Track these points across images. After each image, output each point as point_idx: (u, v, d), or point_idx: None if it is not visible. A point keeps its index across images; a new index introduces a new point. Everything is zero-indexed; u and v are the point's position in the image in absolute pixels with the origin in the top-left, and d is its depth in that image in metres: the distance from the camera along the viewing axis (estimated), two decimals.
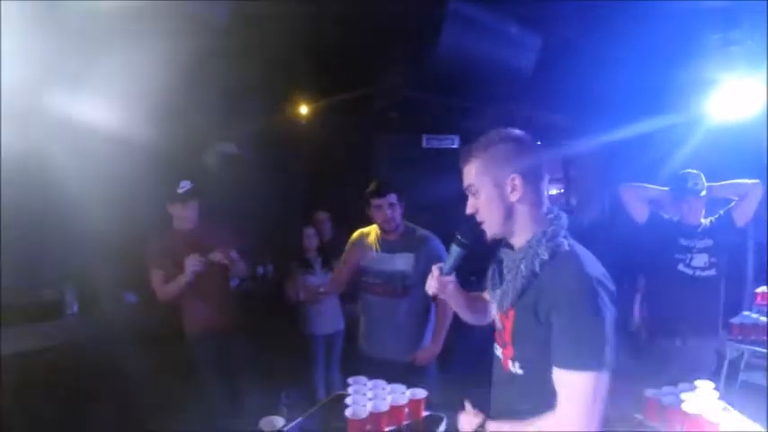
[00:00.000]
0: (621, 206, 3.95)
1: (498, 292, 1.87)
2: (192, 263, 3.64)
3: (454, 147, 6.26)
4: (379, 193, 3.39)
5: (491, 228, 1.83)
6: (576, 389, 1.62)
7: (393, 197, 3.39)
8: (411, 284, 3.17)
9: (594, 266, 1.71)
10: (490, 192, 1.79)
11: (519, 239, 1.84)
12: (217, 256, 3.72)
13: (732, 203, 3.64)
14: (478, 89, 5.40)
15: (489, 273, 2.00)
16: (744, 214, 3.61)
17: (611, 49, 4.72)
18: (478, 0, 4.50)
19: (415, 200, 3.62)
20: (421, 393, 2.71)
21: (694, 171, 3.71)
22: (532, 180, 1.79)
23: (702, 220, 3.74)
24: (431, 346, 3.45)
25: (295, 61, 5.04)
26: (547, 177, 1.85)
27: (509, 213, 1.80)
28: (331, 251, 4.99)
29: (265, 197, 5.52)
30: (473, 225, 1.89)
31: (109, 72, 3.91)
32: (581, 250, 1.77)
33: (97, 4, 3.62)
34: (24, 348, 3.82)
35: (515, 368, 1.82)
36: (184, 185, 3.79)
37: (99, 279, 4.33)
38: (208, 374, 3.83)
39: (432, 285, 2.10)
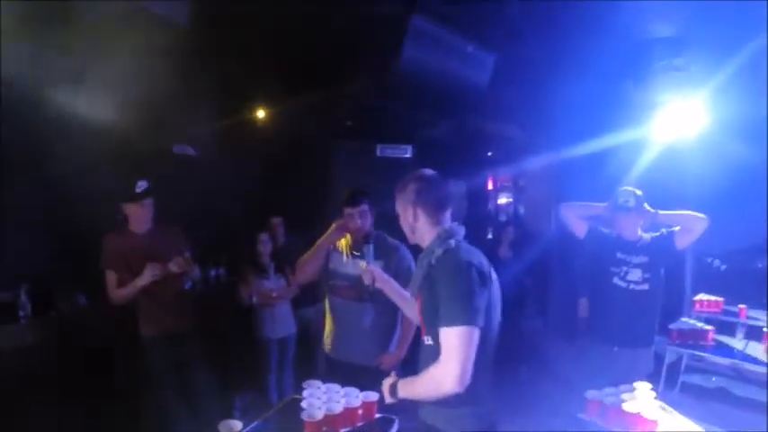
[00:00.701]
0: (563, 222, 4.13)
1: (411, 282, 2.47)
2: (152, 272, 3.65)
3: (407, 156, 6.35)
4: (353, 202, 3.43)
5: (409, 237, 2.53)
6: (451, 341, 2.09)
7: (365, 206, 3.45)
8: (378, 290, 3.24)
9: (471, 255, 2.27)
10: (402, 215, 2.48)
11: (424, 244, 2.44)
12: (174, 266, 3.72)
13: (676, 227, 3.79)
14: (434, 101, 5.52)
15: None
16: (685, 242, 3.76)
17: (563, 69, 4.91)
18: (438, 17, 4.61)
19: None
20: (373, 396, 2.78)
21: (629, 188, 3.85)
22: (430, 209, 2.41)
23: (643, 235, 3.90)
24: (396, 351, 3.49)
25: (255, 64, 5.05)
26: (448, 205, 2.45)
27: (413, 229, 2.47)
28: (284, 256, 5.03)
29: (220, 199, 5.51)
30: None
31: (66, 67, 3.86)
32: (465, 246, 2.34)
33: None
34: None
35: (428, 341, 2.33)
36: (141, 185, 3.75)
37: (53, 280, 4.23)
38: (162, 377, 3.80)
39: (366, 276, 2.93)
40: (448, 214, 2.47)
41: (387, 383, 2.42)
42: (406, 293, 2.76)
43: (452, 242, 2.33)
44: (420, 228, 2.45)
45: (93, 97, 3.99)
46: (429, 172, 2.50)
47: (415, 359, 2.47)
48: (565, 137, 5.86)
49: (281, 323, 4.94)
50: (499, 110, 6.19)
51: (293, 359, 5.07)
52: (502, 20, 4.60)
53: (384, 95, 5.69)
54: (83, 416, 3.63)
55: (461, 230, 2.42)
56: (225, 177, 5.61)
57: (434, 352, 2.20)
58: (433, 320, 2.23)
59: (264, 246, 4.96)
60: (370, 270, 2.90)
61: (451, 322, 2.11)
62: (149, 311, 3.84)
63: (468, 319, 2.10)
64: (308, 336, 5.30)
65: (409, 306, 2.81)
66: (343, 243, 3.56)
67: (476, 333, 2.10)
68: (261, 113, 6.33)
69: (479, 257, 2.31)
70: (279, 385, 4.95)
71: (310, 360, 5.17)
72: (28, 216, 4.09)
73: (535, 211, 8.35)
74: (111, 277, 3.74)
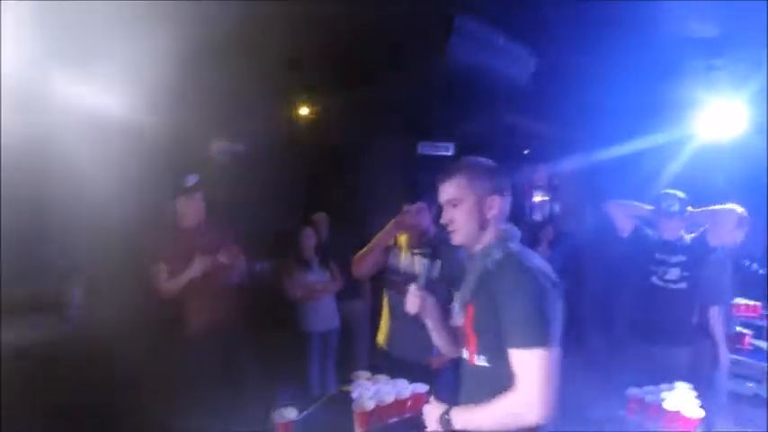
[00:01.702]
0: (606, 219, 4.20)
1: (457, 292, 2.16)
2: (202, 264, 3.78)
3: (448, 154, 6.45)
4: (410, 199, 3.48)
5: (463, 236, 2.12)
6: (530, 366, 1.86)
7: (422, 203, 3.48)
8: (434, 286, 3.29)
9: (535, 261, 2.01)
10: (471, 206, 2.08)
11: (478, 245, 2.12)
12: (224, 258, 3.84)
13: (707, 225, 3.87)
14: (477, 100, 5.60)
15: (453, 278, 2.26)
16: (716, 236, 3.83)
17: (602, 68, 4.95)
18: (480, 16, 4.70)
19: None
20: (422, 388, 2.89)
21: (673, 192, 3.94)
22: (506, 202, 2.12)
23: (684, 235, 3.97)
24: None
25: (299, 62, 5.17)
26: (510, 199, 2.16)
27: (481, 226, 2.10)
28: (328, 251, 5.18)
29: (265, 195, 5.67)
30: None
31: (112, 64, 4.00)
32: (525, 250, 2.07)
33: None
34: (25, 343, 3.89)
35: (481, 361, 2.06)
36: (191, 180, 3.91)
37: (103, 274, 4.40)
38: (209, 371, 3.90)
39: (411, 302, 2.27)
40: None
41: (434, 412, 2.10)
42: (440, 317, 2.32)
43: (514, 245, 2.07)
44: (487, 223, 2.09)
45: (140, 95, 4.11)
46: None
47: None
48: (602, 136, 5.88)
49: (323, 317, 5.08)
50: (538, 108, 6.24)
51: (336, 353, 5.20)
52: (542, 19, 4.67)
53: (426, 94, 5.79)
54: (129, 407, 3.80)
55: (518, 233, 2.14)
56: (269, 174, 5.77)
57: (489, 375, 2.02)
58: (490, 338, 2.00)
59: (308, 240, 5.09)
60: (417, 296, 2.27)
61: (530, 343, 1.87)
62: (197, 305, 3.92)
63: (548, 339, 1.87)
64: (350, 330, 5.42)
65: (444, 334, 2.35)
66: (403, 239, 3.63)
67: (556, 354, 1.89)
68: (304, 110, 6.49)
69: (541, 262, 2.05)
70: (321, 379, 5.07)
71: (353, 354, 5.32)
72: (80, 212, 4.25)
73: (570, 210, 8.36)
74: (160, 270, 3.86)
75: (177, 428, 3.59)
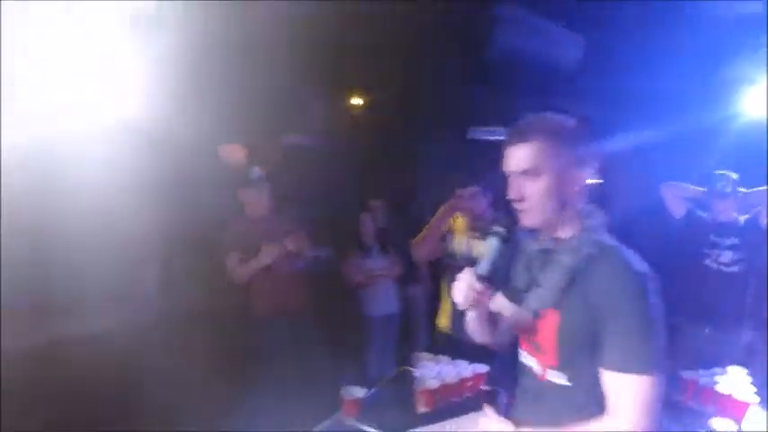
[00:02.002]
0: (657, 201, 4.22)
1: (534, 291, 1.73)
2: (269, 253, 4.01)
3: (501, 139, 6.48)
4: (463, 183, 3.55)
5: (536, 217, 1.68)
6: (635, 393, 1.52)
7: (476, 187, 3.52)
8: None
9: (640, 262, 1.61)
10: (552, 179, 1.64)
11: (560, 233, 1.71)
12: (290, 245, 4.06)
13: (760, 207, 3.87)
14: (524, 85, 5.65)
15: (514, 270, 1.88)
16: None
17: (651, 49, 4.95)
18: (525, 3, 4.76)
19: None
20: (483, 368, 2.99)
21: (726, 172, 3.93)
22: (587, 173, 1.69)
23: (738, 217, 3.97)
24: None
25: (353, 53, 5.32)
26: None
27: (563, 204, 1.66)
28: (387, 236, 5.37)
29: (326, 184, 5.87)
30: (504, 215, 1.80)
31: (172, 58, 4.21)
32: (622, 247, 1.65)
33: None
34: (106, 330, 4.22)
35: (557, 378, 1.70)
36: (256, 172, 4.16)
37: (175, 264, 4.68)
38: (276, 353, 4.13)
39: (461, 292, 1.80)
40: None
41: (493, 425, 1.74)
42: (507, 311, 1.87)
43: (607, 238, 1.67)
44: (572, 202, 1.68)
45: (216, 90, 4.34)
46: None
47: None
48: (651, 117, 5.85)
49: (383, 301, 5.26)
50: (586, 91, 6.23)
51: (396, 337, 5.35)
52: (589, 4, 4.69)
53: (475, 80, 5.86)
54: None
55: (604, 217, 1.72)
56: (331, 163, 5.96)
57: (566, 395, 1.68)
58: (578, 352, 1.64)
59: (367, 226, 5.29)
60: (465, 285, 1.79)
61: (637, 368, 1.52)
62: (264, 290, 4.16)
63: (657, 363, 1.53)
64: (410, 314, 5.57)
65: (486, 328, 1.95)
66: (460, 223, 3.70)
67: (663, 379, 1.55)
68: (360, 100, 6.66)
69: (642, 260, 1.63)
70: (380, 362, 5.23)
71: (412, 338, 5.48)
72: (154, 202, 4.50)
73: (621, 194, 8.29)
74: (232, 258, 4.12)
75: (249, 406, 3.79)
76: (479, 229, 3.52)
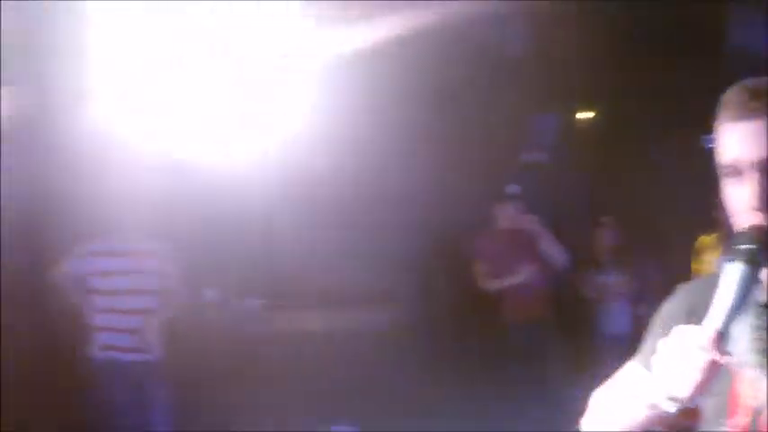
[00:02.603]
0: None
1: None
2: (526, 273, 4.21)
3: None
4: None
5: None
6: None
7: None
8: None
9: None
10: None
11: None
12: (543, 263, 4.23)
13: None
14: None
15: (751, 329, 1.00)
16: None
17: None
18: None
19: (698, 204, 3.47)
20: None
21: None
22: None
23: None
24: None
25: (581, 68, 5.22)
26: None
27: None
28: (622, 253, 5.13)
29: (559, 198, 5.82)
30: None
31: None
32: None
33: None
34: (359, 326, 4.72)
35: None
36: (512, 188, 4.30)
37: (433, 270, 5.07)
38: (520, 357, 4.25)
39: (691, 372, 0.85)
40: None
41: None
42: None
43: None
44: None
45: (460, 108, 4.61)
46: None
47: None
48: None
49: (614, 319, 5.06)
50: None
51: (623, 357, 5.11)
52: None
53: (710, 84, 5.38)
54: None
55: None
56: (561, 177, 5.91)
57: None
58: None
59: (603, 241, 5.12)
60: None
61: None
62: (514, 301, 4.33)
63: None
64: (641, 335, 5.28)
65: None
66: (707, 241, 3.62)
67: None
68: (590, 115, 6.48)
69: None
70: None
71: None
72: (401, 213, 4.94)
73: None
74: (482, 269, 4.34)
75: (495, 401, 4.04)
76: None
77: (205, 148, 4.41)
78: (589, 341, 5.11)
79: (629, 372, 1.09)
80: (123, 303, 3.64)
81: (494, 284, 4.30)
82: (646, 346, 1.07)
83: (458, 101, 4.61)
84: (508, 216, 4.34)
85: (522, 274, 4.22)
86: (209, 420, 4.04)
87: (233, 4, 4.16)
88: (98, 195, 3.75)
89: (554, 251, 4.39)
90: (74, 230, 3.87)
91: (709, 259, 3.44)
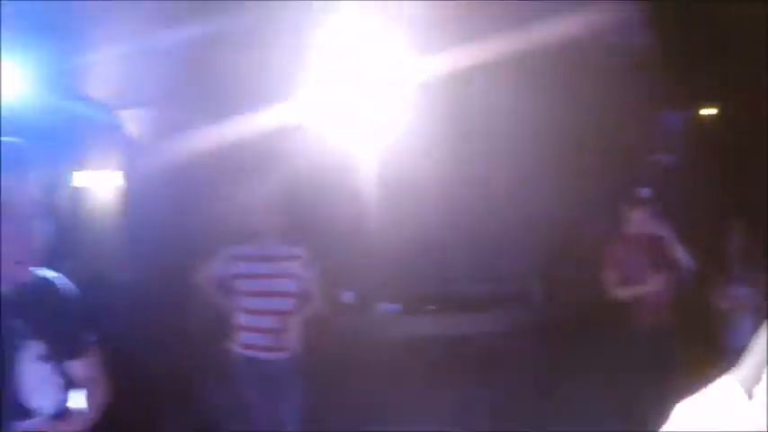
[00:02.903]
0: None
1: None
2: (656, 283, 4.12)
3: None
4: None
5: None
6: None
7: None
8: None
9: None
10: None
11: None
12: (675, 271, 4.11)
13: None
14: None
15: None
16: None
17: None
18: None
19: None
20: None
21: None
22: None
23: None
24: None
25: (703, 66, 5.03)
26: None
27: None
28: (753, 258, 4.90)
29: (685, 200, 5.65)
30: None
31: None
32: None
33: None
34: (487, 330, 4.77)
35: None
36: (644, 192, 4.21)
37: (560, 273, 5.06)
38: (643, 365, 4.17)
39: None
40: None
41: None
42: None
43: None
44: None
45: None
46: None
47: None
48: None
49: (743, 333, 4.85)
50: None
51: None
52: None
53: None
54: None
55: None
56: (689, 180, 5.73)
57: None
58: None
59: (732, 247, 4.91)
60: None
61: None
62: (641, 307, 4.24)
63: None
64: None
65: None
66: None
67: None
68: (714, 112, 6.23)
69: None
70: None
71: None
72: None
73: None
74: (611, 276, 4.24)
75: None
76: None
77: (347, 153, 4.57)
78: (714, 353, 4.93)
79: (726, 390, 0.95)
80: (265, 305, 3.82)
81: (624, 293, 4.20)
82: (749, 364, 0.96)
83: (583, 102, 4.52)
84: (639, 221, 4.22)
85: (654, 284, 4.10)
86: (340, 422, 4.19)
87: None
88: (241, 201, 3.95)
89: (683, 257, 4.26)
90: (218, 235, 4.10)
91: None
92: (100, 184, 5.96)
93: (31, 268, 1.54)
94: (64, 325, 1.66)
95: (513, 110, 4.63)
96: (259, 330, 3.83)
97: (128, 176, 5.78)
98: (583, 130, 4.61)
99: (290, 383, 3.87)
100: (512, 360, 4.49)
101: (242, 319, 3.87)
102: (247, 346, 3.87)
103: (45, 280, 1.68)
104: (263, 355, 3.84)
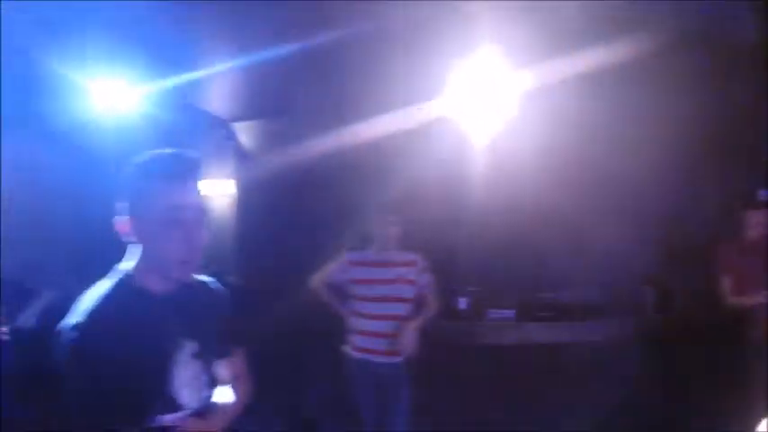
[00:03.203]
0: None
1: None
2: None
3: None
4: None
5: None
6: None
7: None
8: None
9: None
10: None
11: None
12: None
13: None
14: None
15: None
16: None
17: None
18: None
19: None
20: None
21: None
22: None
23: None
24: None
25: None
26: None
27: None
28: None
29: None
30: None
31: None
32: None
33: None
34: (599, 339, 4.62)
35: None
36: (763, 194, 3.95)
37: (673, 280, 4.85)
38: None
39: None
40: None
41: None
42: None
43: None
44: None
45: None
46: None
47: None
48: None
49: None
50: None
51: None
52: None
53: None
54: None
55: None
56: None
57: None
58: None
59: None
60: None
61: None
62: (758, 318, 3.94)
63: None
64: None
65: None
66: None
67: None
68: None
69: None
70: None
71: None
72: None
73: None
74: (726, 283, 4.03)
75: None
76: None
77: (462, 161, 4.58)
78: None
79: None
80: (380, 309, 3.85)
81: (741, 301, 3.95)
82: None
83: (697, 103, 4.29)
84: (758, 224, 3.98)
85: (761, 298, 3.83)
86: (448, 426, 4.17)
87: None
88: (356, 207, 4.01)
89: None
90: (331, 241, 4.19)
91: None
92: (215, 193, 6.28)
93: (193, 270, 1.63)
94: (216, 326, 1.74)
95: (624, 113, 4.46)
96: (374, 334, 3.87)
97: (240, 185, 6.04)
98: (698, 132, 4.38)
99: (401, 387, 3.89)
100: (622, 370, 4.29)
101: (357, 323, 3.93)
102: (362, 350, 3.91)
103: (201, 282, 1.78)
104: (376, 358, 3.87)
